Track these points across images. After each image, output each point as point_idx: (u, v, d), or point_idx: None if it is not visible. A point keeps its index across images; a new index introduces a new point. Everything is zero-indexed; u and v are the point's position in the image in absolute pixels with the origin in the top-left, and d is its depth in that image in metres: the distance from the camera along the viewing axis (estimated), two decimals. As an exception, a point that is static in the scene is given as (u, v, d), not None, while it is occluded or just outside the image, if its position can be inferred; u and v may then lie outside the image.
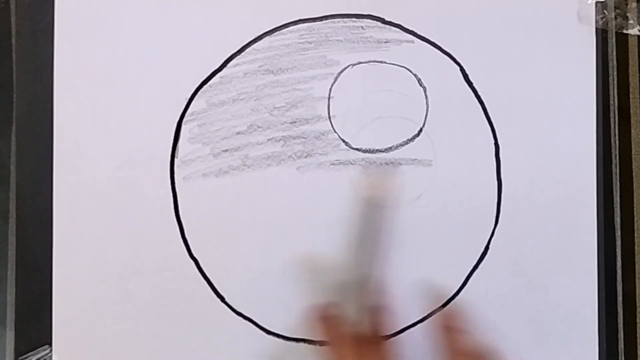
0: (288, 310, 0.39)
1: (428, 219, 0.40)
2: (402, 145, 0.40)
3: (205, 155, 0.40)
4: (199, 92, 0.40)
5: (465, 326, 0.38)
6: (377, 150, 0.40)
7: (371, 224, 0.38)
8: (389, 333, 0.38)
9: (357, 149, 0.40)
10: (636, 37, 0.42)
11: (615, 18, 0.41)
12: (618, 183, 0.41)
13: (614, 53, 0.42)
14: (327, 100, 0.40)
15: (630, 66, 0.42)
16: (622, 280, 0.41)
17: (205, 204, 0.40)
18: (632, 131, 0.41)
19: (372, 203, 0.39)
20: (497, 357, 0.36)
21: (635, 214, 0.41)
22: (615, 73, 0.42)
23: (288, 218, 0.40)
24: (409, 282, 0.40)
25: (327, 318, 0.38)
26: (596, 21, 0.41)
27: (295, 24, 0.40)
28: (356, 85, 0.40)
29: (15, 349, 0.39)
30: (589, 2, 0.41)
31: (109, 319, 0.39)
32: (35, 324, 0.39)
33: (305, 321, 0.39)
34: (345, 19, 0.41)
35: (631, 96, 0.42)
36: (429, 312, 0.39)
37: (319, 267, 0.39)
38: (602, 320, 0.40)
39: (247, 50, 0.40)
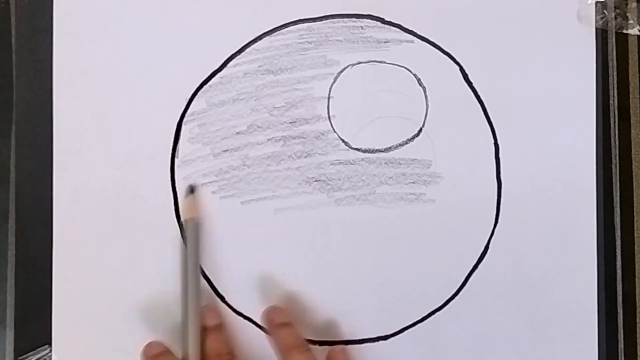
0: (288, 311, 0.39)
1: (428, 219, 0.40)
2: (402, 145, 0.40)
3: (205, 155, 0.40)
4: (199, 92, 0.40)
5: (288, 320, 0.38)
6: (377, 150, 0.40)
7: (193, 249, 0.38)
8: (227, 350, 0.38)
9: (357, 149, 0.40)
10: (636, 37, 0.42)
11: (615, 18, 0.41)
12: (618, 183, 0.41)
13: (614, 53, 0.42)
14: (327, 100, 0.40)
15: (630, 66, 0.42)
16: (622, 280, 0.41)
17: (205, 204, 0.40)
18: (632, 131, 0.42)
19: (190, 227, 0.38)
20: (308, 346, 0.38)
21: (635, 214, 0.41)
22: (615, 73, 0.42)
23: (288, 217, 0.40)
24: (409, 281, 0.40)
25: (159, 355, 0.38)
26: (596, 21, 0.41)
27: (295, 24, 0.40)
28: (356, 85, 0.40)
29: (15, 349, 0.39)
30: (589, 2, 0.41)
31: (109, 319, 0.39)
32: (35, 324, 0.39)
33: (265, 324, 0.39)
34: (345, 19, 0.41)
35: (631, 96, 0.42)
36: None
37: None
38: (602, 320, 0.40)
39: (247, 50, 0.40)
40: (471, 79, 0.41)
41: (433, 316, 0.40)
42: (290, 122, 0.40)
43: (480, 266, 0.40)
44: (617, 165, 0.41)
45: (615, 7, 0.41)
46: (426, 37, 0.41)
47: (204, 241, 0.39)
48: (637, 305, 0.41)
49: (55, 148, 0.40)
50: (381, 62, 0.41)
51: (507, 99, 0.41)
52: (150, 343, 0.39)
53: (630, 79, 0.42)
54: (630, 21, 0.41)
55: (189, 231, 0.38)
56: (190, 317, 0.37)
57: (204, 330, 0.38)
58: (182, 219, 0.39)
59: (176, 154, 0.40)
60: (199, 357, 0.37)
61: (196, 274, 0.38)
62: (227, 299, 0.40)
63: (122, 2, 0.40)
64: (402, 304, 0.39)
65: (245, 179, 0.40)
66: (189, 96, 0.40)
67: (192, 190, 0.39)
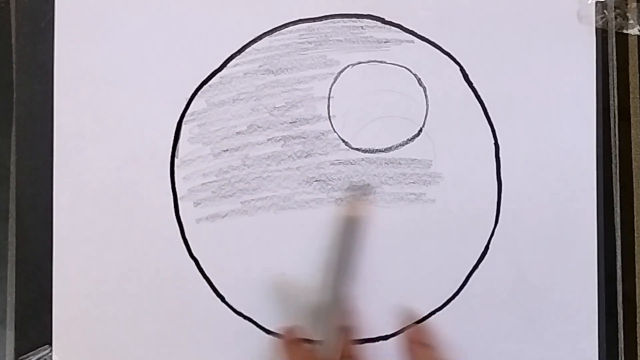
0: (288, 310, 0.39)
1: (428, 219, 0.40)
2: (402, 145, 0.40)
3: (205, 155, 0.40)
4: (199, 92, 0.40)
5: (435, 343, 0.38)
6: (377, 150, 0.40)
7: (346, 245, 0.38)
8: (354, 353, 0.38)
9: (357, 149, 0.40)
10: (636, 37, 0.42)
11: (615, 18, 0.41)
12: (618, 183, 0.41)
13: (614, 53, 0.42)
14: (327, 100, 0.40)
15: (630, 66, 0.42)
16: (622, 280, 0.41)
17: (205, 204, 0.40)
18: (632, 131, 0.41)
19: (350, 224, 0.39)
20: None
21: (635, 214, 0.41)
22: (615, 73, 0.42)
23: (288, 217, 0.40)
24: (409, 281, 0.40)
25: (292, 342, 0.38)
26: (596, 21, 0.41)
27: (295, 24, 0.40)
28: (356, 85, 0.40)
29: (15, 349, 0.39)
30: (589, 2, 0.41)
31: (109, 319, 0.39)
32: (35, 324, 0.39)
33: (273, 345, 0.39)
34: (345, 19, 0.41)
35: (631, 96, 0.42)
36: (403, 327, 0.39)
37: (291, 290, 0.39)
38: (602, 320, 0.40)
39: (247, 50, 0.40)
40: (471, 79, 0.41)
41: (433, 316, 0.40)
42: (291, 122, 0.40)
43: (480, 266, 0.40)
44: (617, 165, 0.41)
45: (615, 7, 0.41)
46: (426, 37, 0.41)
47: (207, 240, 0.39)
48: (637, 305, 0.41)
49: (55, 148, 0.40)
50: (381, 62, 0.41)
51: (507, 99, 0.41)
52: (287, 328, 0.39)
53: (630, 79, 0.42)
54: (630, 21, 0.41)
55: (348, 228, 0.38)
56: (329, 312, 0.37)
57: (339, 329, 0.38)
58: (345, 213, 0.39)
59: (176, 154, 0.40)
60: (332, 350, 0.37)
61: (345, 271, 0.38)
62: (227, 299, 0.40)
63: (123, 3, 0.40)
64: (402, 304, 0.39)
65: (245, 179, 0.40)
66: (189, 96, 0.40)
67: (359, 189, 0.39)
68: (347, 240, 0.38)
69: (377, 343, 0.40)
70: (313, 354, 0.37)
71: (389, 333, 0.40)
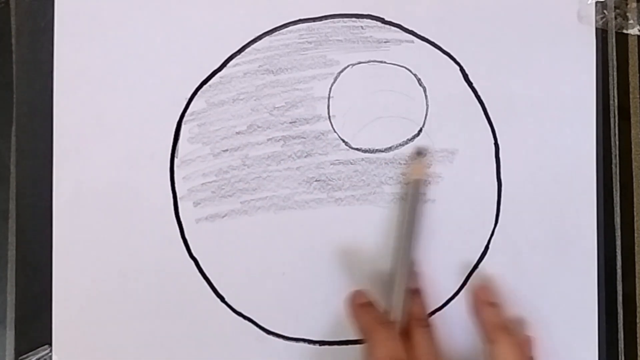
0: (288, 310, 0.40)
1: (428, 218, 0.40)
2: (402, 145, 0.40)
3: (205, 155, 0.40)
4: (199, 92, 0.40)
5: (500, 301, 0.39)
6: (377, 150, 0.40)
7: (413, 208, 0.39)
8: (426, 316, 0.39)
9: (357, 149, 0.40)
10: (636, 37, 0.42)
11: (615, 18, 0.41)
12: (618, 183, 0.41)
13: (614, 53, 0.42)
14: (327, 100, 0.40)
15: (630, 66, 0.42)
16: (622, 280, 0.41)
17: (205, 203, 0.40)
18: (632, 131, 0.41)
19: (414, 188, 0.39)
20: (523, 328, 0.38)
21: (635, 214, 0.41)
22: (615, 73, 0.42)
23: (288, 217, 0.40)
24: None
25: (364, 305, 0.38)
26: (596, 21, 0.41)
27: (295, 24, 0.40)
28: (356, 85, 0.40)
29: (15, 349, 0.39)
30: (589, 2, 0.41)
31: (109, 319, 0.39)
32: (35, 324, 0.39)
33: (345, 309, 0.39)
34: (345, 19, 0.41)
35: (631, 96, 0.42)
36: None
37: (357, 257, 0.39)
38: (602, 320, 0.40)
39: (247, 50, 0.40)
40: (471, 79, 0.41)
41: (433, 316, 0.40)
42: (290, 122, 0.40)
43: (480, 266, 0.40)
44: (617, 165, 0.41)
45: (615, 7, 0.41)
46: (426, 37, 0.41)
47: (207, 240, 0.39)
48: (637, 305, 0.41)
49: (55, 148, 0.40)
50: (381, 62, 0.41)
51: (507, 99, 0.41)
52: (356, 292, 0.39)
53: (630, 79, 0.42)
54: (630, 21, 0.41)
55: (412, 191, 0.39)
56: (399, 275, 0.38)
57: (408, 292, 0.38)
58: (407, 179, 0.40)
59: (176, 154, 0.40)
60: (400, 314, 0.37)
61: (411, 234, 0.38)
62: (227, 299, 0.40)
63: (123, 2, 0.40)
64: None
65: (245, 179, 0.40)
66: (188, 96, 0.40)
67: (420, 153, 0.39)
68: (413, 203, 0.39)
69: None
70: (383, 316, 0.38)
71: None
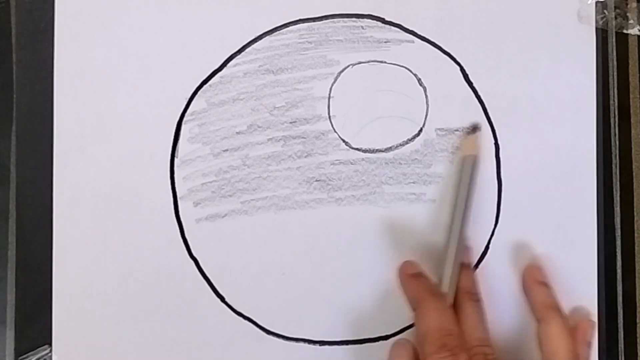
0: (288, 310, 0.40)
1: (428, 218, 0.40)
2: (402, 145, 0.40)
3: (205, 155, 0.40)
4: (199, 92, 0.40)
5: (547, 279, 0.39)
6: (377, 150, 0.40)
7: (465, 182, 0.39)
8: (476, 290, 0.39)
9: (357, 149, 0.40)
10: (636, 37, 0.42)
11: (615, 18, 0.41)
12: (618, 183, 0.41)
13: (614, 53, 0.42)
14: (327, 100, 0.40)
15: (630, 66, 0.42)
16: (622, 280, 0.41)
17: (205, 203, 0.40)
18: (632, 131, 0.42)
19: (467, 164, 0.39)
20: (563, 312, 0.38)
21: (635, 214, 0.41)
22: (615, 73, 0.42)
23: (288, 217, 0.40)
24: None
25: (415, 275, 0.38)
26: (596, 21, 0.41)
27: (295, 24, 0.40)
28: (356, 85, 0.40)
29: (15, 349, 0.39)
30: (589, 2, 0.41)
31: (109, 319, 0.39)
32: (35, 324, 0.39)
33: (398, 279, 0.39)
34: (345, 19, 0.41)
35: (631, 96, 0.42)
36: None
37: (405, 229, 0.40)
38: (602, 320, 0.40)
39: (247, 50, 0.40)
40: (471, 79, 0.41)
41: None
42: (291, 122, 0.40)
43: (480, 266, 0.40)
44: (617, 165, 0.41)
45: (615, 7, 0.41)
46: (426, 37, 0.41)
47: (207, 240, 0.39)
48: (637, 305, 0.41)
49: (55, 148, 0.40)
50: (381, 62, 0.41)
51: (507, 99, 0.41)
52: (407, 262, 0.39)
53: (630, 79, 0.42)
54: (630, 21, 0.41)
55: (466, 166, 0.39)
56: (451, 249, 0.38)
57: (459, 266, 0.38)
58: (461, 154, 0.40)
59: (176, 154, 0.40)
60: (452, 287, 0.37)
61: (464, 208, 0.38)
62: (227, 299, 0.40)
63: (123, 2, 0.40)
64: (403, 304, 0.39)
65: (245, 178, 0.40)
66: (188, 96, 0.40)
67: (475, 128, 0.40)
68: (466, 179, 0.39)
69: (377, 343, 0.40)
70: (434, 287, 0.38)
71: (389, 333, 0.40)
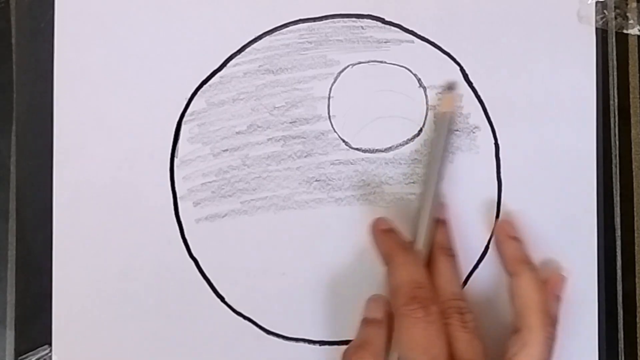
0: (288, 310, 0.40)
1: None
2: (402, 145, 0.40)
3: (205, 155, 0.40)
4: (199, 92, 0.40)
5: (519, 234, 0.39)
6: (377, 150, 0.40)
7: (440, 141, 0.39)
8: (451, 246, 0.39)
9: (357, 149, 0.40)
10: (636, 37, 0.42)
11: (615, 18, 0.41)
12: (618, 183, 0.41)
13: (614, 53, 0.42)
14: (327, 100, 0.40)
15: (630, 66, 0.42)
16: (622, 280, 0.41)
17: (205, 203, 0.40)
18: (632, 131, 0.42)
19: (443, 121, 0.39)
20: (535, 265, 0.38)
21: (635, 214, 0.41)
22: (615, 73, 0.42)
23: (288, 217, 0.40)
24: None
25: (387, 231, 0.38)
26: (596, 21, 0.41)
27: (295, 24, 0.40)
28: (356, 85, 0.40)
29: (15, 349, 0.39)
30: (589, 2, 0.41)
31: (109, 319, 0.39)
32: (35, 324, 0.39)
33: (370, 234, 0.39)
34: (345, 19, 0.41)
35: (631, 96, 0.42)
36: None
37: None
38: (602, 320, 0.40)
39: (247, 50, 0.40)
40: (471, 79, 0.41)
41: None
42: (291, 122, 0.40)
43: (480, 266, 0.40)
44: (617, 165, 0.41)
45: (615, 7, 0.41)
46: (426, 37, 0.41)
47: (207, 240, 0.39)
48: (637, 305, 0.41)
49: (55, 148, 0.40)
50: (381, 62, 0.41)
51: (507, 99, 0.41)
52: (379, 219, 0.39)
53: (630, 79, 0.42)
54: (630, 21, 0.41)
55: (442, 123, 0.39)
56: (426, 204, 0.38)
57: (433, 221, 0.38)
58: (436, 110, 0.40)
59: (176, 154, 0.40)
60: (425, 243, 0.37)
61: (439, 165, 0.39)
62: (227, 299, 0.40)
63: (123, 3, 0.40)
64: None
65: (245, 178, 0.40)
66: (188, 96, 0.40)
67: (451, 86, 0.40)
68: (441, 135, 0.39)
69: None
70: (405, 242, 0.38)
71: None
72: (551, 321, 0.36)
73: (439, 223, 0.38)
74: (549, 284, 0.38)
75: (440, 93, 0.40)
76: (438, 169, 0.39)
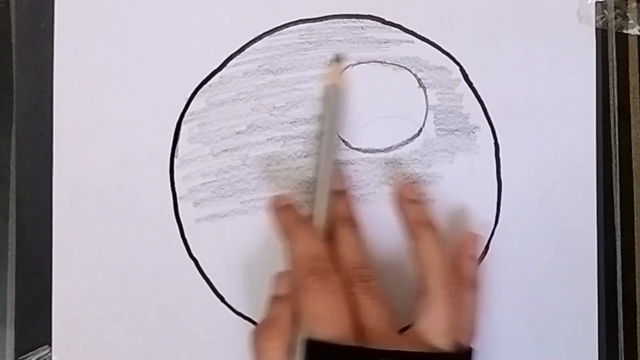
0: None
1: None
2: (402, 145, 0.40)
3: (205, 155, 0.40)
4: (199, 92, 0.40)
5: (422, 199, 0.39)
6: (377, 150, 0.40)
7: (331, 111, 0.39)
8: (351, 216, 0.38)
9: (357, 149, 0.40)
10: (636, 37, 0.42)
11: (615, 18, 0.41)
12: (618, 183, 0.41)
13: (614, 53, 0.42)
14: (327, 100, 0.40)
15: (630, 66, 0.42)
16: (622, 280, 0.41)
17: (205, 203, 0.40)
18: (632, 131, 0.42)
19: (330, 92, 0.39)
20: (437, 227, 0.38)
21: (635, 214, 0.41)
22: (615, 73, 0.42)
23: (288, 218, 0.40)
24: (410, 281, 0.40)
25: (285, 207, 0.38)
26: (596, 21, 0.41)
27: (295, 24, 0.40)
28: (356, 85, 0.40)
29: (15, 349, 0.39)
30: (589, 2, 0.41)
31: (109, 319, 0.39)
32: (35, 324, 0.39)
33: (267, 211, 0.39)
34: (345, 19, 0.41)
35: (631, 96, 0.42)
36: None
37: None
38: (602, 320, 0.40)
39: (247, 50, 0.40)
40: (471, 79, 0.41)
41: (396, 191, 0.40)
42: (291, 122, 0.40)
43: (480, 266, 0.40)
44: (617, 165, 0.41)
45: (615, 7, 0.41)
46: (426, 37, 0.41)
47: (207, 240, 0.39)
48: (637, 305, 0.41)
49: (55, 148, 0.40)
50: (381, 62, 0.41)
51: (507, 99, 0.41)
52: (277, 196, 0.39)
53: (630, 79, 0.42)
54: (630, 21, 0.41)
55: (330, 96, 0.39)
56: (321, 178, 0.38)
57: (332, 194, 0.38)
58: (325, 83, 0.40)
59: (175, 154, 0.40)
60: (325, 216, 0.37)
61: (331, 138, 0.39)
62: (227, 299, 0.40)
63: (123, 2, 0.40)
64: (402, 304, 0.39)
65: (245, 178, 0.40)
66: (188, 96, 0.40)
67: (338, 59, 0.40)
68: (329, 107, 0.39)
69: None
70: (301, 217, 0.38)
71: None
72: (457, 279, 0.36)
73: (339, 194, 0.38)
74: (462, 243, 0.38)
75: (328, 65, 0.40)
76: (330, 141, 0.39)
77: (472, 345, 0.35)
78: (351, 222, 0.38)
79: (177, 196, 0.40)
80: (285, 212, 0.38)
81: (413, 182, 0.40)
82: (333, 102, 0.39)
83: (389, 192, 0.40)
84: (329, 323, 0.33)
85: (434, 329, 0.34)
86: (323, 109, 0.40)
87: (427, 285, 0.35)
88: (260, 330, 0.35)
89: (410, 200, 0.39)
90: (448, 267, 0.36)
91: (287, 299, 0.36)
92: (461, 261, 0.37)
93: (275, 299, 0.36)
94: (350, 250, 0.36)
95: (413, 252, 0.37)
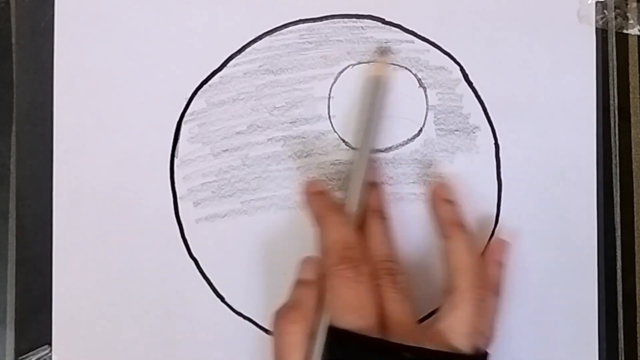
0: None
1: (428, 219, 0.40)
2: (402, 145, 0.40)
3: (205, 155, 0.40)
4: (199, 92, 0.40)
5: (457, 199, 0.39)
6: (377, 150, 0.40)
7: (372, 103, 0.39)
8: (383, 208, 0.38)
9: (357, 149, 0.40)
10: (636, 37, 0.42)
11: (615, 18, 0.41)
12: (618, 183, 0.41)
13: (614, 53, 0.42)
14: (327, 100, 0.40)
15: (630, 66, 0.42)
16: (622, 280, 0.41)
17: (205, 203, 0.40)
18: (632, 131, 0.42)
19: (375, 84, 0.39)
20: (470, 229, 0.38)
21: (635, 214, 0.41)
22: (615, 73, 0.42)
23: (288, 217, 0.40)
24: (410, 281, 0.40)
25: (318, 193, 0.38)
26: (596, 21, 0.41)
27: (295, 24, 0.40)
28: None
29: (15, 349, 0.39)
30: (589, 2, 0.41)
31: (109, 319, 0.39)
32: (35, 324, 0.39)
33: (300, 197, 0.39)
34: (345, 19, 0.41)
35: (631, 96, 0.42)
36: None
37: (405, 228, 0.40)
38: (602, 320, 0.40)
39: (247, 50, 0.40)
40: (471, 79, 0.41)
41: (433, 316, 0.40)
42: (291, 122, 0.40)
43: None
44: (617, 165, 0.41)
45: (615, 7, 0.41)
46: (426, 37, 0.41)
47: (207, 240, 0.39)
48: (637, 305, 0.41)
49: (55, 148, 0.40)
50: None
51: (507, 99, 0.41)
52: (311, 181, 0.39)
53: (630, 79, 0.42)
54: (631, 21, 0.41)
55: (374, 86, 0.39)
56: (356, 168, 0.38)
57: (366, 185, 0.38)
58: (369, 74, 0.40)
59: (176, 154, 0.40)
60: (356, 206, 0.37)
61: (372, 129, 0.39)
62: (227, 299, 0.40)
63: (123, 2, 0.40)
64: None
65: (245, 179, 0.40)
66: (188, 96, 0.40)
67: (383, 51, 0.40)
68: (373, 99, 0.39)
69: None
70: (336, 204, 0.38)
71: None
72: (484, 284, 0.36)
73: (372, 186, 0.38)
74: (490, 249, 0.38)
75: (373, 57, 0.40)
76: (371, 133, 0.38)
77: (488, 350, 0.35)
78: (382, 215, 0.38)
79: (177, 196, 0.40)
80: (318, 198, 0.38)
81: (447, 183, 0.40)
82: (377, 93, 0.39)
83: (389, 192, 0.40)
84: (355, 312, 0.33)
85: (457, 330, 0.34)
86: (364, 100, 0.39)
87: (455, 285, 0.35)
88: (283, 312, 0.35)
89: (444, 199, 0.39)
90: (477, 269, 0.36)
91: (312, 284, 0.35)
92: (488, 266, 0.38)
93: (301, 283, 0.36)
94: (380, 242, 0.36)
95: (443, 252, 0.37)
